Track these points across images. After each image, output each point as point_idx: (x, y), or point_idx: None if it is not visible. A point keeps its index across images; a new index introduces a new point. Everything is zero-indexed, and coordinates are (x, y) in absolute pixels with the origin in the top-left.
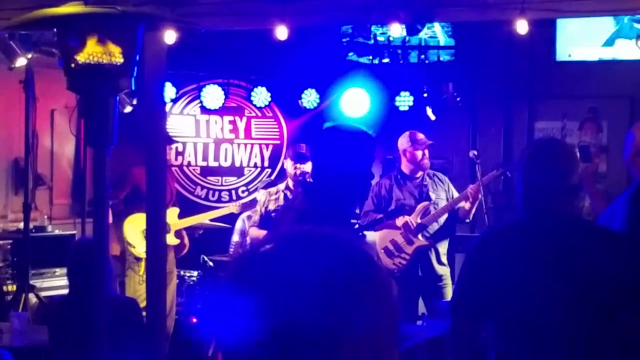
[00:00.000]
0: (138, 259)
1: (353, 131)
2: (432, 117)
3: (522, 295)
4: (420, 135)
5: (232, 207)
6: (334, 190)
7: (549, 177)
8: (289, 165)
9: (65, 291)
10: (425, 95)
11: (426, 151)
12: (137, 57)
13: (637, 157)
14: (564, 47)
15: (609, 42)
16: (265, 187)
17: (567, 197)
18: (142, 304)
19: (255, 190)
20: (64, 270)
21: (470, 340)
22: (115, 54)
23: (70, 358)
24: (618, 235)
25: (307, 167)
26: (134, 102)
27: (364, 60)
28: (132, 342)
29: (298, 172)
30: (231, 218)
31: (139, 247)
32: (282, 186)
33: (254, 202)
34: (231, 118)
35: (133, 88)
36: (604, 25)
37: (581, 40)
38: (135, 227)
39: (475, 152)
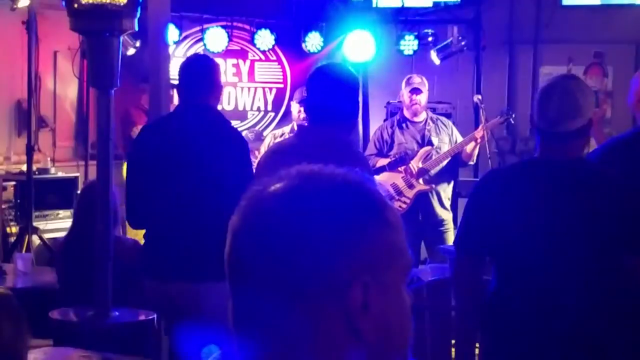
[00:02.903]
0: None
1: (335, 71)
2: (437, 62)
3: (523, 235)
4: (416, 79)
5: None
6: (321, 130)
7: (543, 121)
8: (294, 108)
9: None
10: (430, 39)
11: (415, 96)
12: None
13: None
14: None
15: None
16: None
17: (577, 139)
18: None
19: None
20: (67, 212)
21: (472, 279)
22: None
23: (77, 298)
24: (622, 179)
25: None
26: (137, 44)
27: (368, 3)
28: (135, 282)
29: (302, 115)
30: None
31: None
32: (287, 129)
33: None
34: (234, 61)
35: (136, 29)
36: None
37: None
38: None
39: (480, 97)
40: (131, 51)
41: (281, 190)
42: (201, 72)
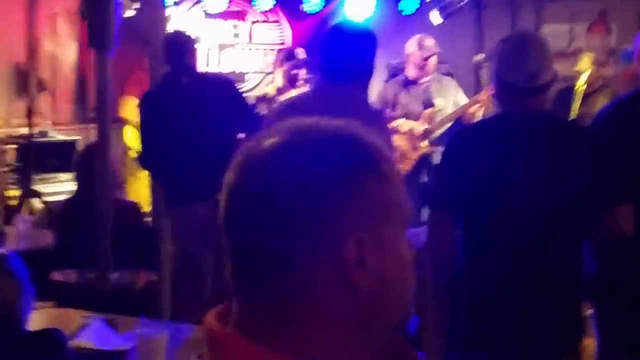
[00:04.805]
0: None
1: (353, 28)
2: (438, 21)
3: (497, 189)
4: (429, 42)
5: None
6: (339, 88)
7: (517, 76)
8: (279, 76)
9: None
10: None
11: (432, 59)
12: None
13: None
14: None
15: None
16: None
17: (545, 93)
18: (147, 209)
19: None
20: (68, 176)
21: (447, 236)
22: None
23: (74, 260)
24: (589, 131)
25: (302, 73)
26: (136, 5)
27: None
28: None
29: (284, 82)
30: None
31: None
32: (271, 90)
33: None
34: (234, 22)
35: None
36: None
37: None
38: (134, 131)
39: (483, 56)
40: (129, 12)
41: (272, 146)
42: (184, 43)
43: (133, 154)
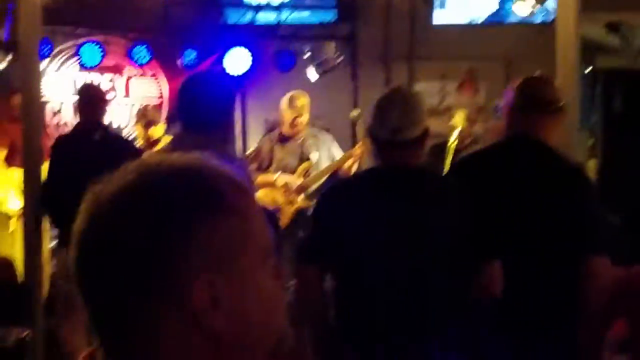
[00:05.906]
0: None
1: (206, 77)
2: (314, 78)
3: (364, 247)
4: (300, 101)
5: None
6: (195, 136)
7: (382, 131)
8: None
9: None
10: (307, 55)
11: (302, 117)
12: (10, 9)
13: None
14: (441, 11)
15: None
16: None
17: (416, 148)
18: (19, 263)
19: None
20: None
21: (316, 290)
22: None
23: None
24: (458, 186)
25: (158, 129)
26: (9, 57)
27: (244, 20)
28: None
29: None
30: None
31: (9, 203)
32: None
33: None
34: (110, 76)
35: (4, 39)
36: None
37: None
38: (3, 183)
39: (358, 112)
40: (2, 65)
41: (116, 189)
42: (96, 96)
43: (2, 207)
